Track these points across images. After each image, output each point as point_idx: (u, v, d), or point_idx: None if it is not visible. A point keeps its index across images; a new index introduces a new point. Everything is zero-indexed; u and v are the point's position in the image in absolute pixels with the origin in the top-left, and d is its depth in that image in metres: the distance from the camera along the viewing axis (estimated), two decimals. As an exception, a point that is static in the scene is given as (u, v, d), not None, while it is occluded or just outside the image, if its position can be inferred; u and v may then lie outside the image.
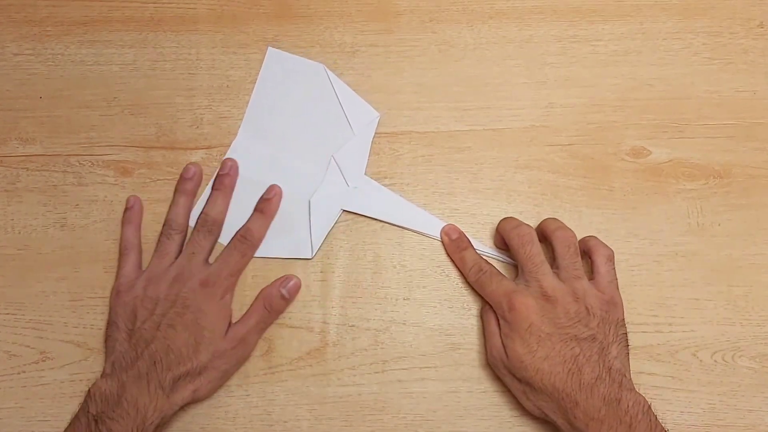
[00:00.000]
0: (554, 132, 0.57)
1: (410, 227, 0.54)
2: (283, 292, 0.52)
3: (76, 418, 0.46)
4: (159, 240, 0.53)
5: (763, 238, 0.55)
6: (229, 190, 0.54)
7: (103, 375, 0.48)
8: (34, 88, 0.57)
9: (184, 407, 0.49)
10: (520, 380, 0.48)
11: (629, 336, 0.52)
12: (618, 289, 0.50)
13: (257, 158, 0.55)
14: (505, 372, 0.49)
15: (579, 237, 0.54)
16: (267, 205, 0.54)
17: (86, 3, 0.59)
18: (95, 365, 0.52)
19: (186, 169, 0.55)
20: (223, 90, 0.57)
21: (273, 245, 0.54)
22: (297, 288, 0.53)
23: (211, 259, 0.53)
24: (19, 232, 0.55)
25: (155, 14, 0.59)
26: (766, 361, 0.52)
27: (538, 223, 0.52)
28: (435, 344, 0.53)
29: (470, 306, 0.53)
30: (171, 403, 0.47)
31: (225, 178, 0.54)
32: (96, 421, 0.45)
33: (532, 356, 0.47)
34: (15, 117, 0.57)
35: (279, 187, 0.54)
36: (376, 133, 0.56)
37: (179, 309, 0.49)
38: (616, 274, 0.50)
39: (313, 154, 0.56)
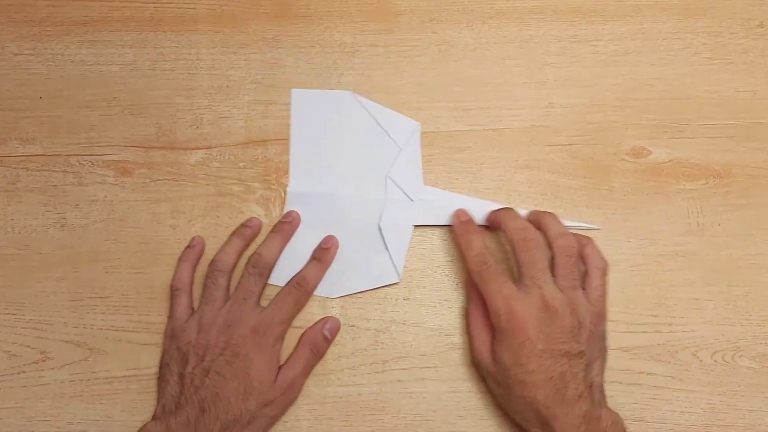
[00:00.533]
0: (554, 132, 0.57)
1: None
2: (326, 333, 0.52)
3: None
4: (205, 284, 0.52)
5: (763, 238, 0.55)
6: (287, 236, 0.54)
7: (154, 417, 0.49)
8: (34, 88, 0.57)
9: None
10: (501, 385, 0.48)
11: (629, 336, 0.52)
12: (606, 302, 0.50)
13: (315, 201, 0.55)
14: (487, 374, 0.49)
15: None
16: (324, 254, 0.53)
17: (86, 3, 0.59)
18: (95, 365, 0.52)
19: (249, 219, 0.54)
20: (223, 90, 0.57)
21: (356, 280, 0.53)
22: (337, 328, 0.53)
23: (263, 302, 0.52)
24: (19, 232, 0.55)
25: (155, 14, 0.59)
26: (766, 361, 0.52)
27: (535, 210, 0.52)
28: (435, 344, 0.53)
29: (470, 306, 0.53)
30: None
31: (285, 225, 0.54)
32: None
33: (520, 369, 0.46)
34: (15, 117, 0.57)
35: (336, 237, 0.54)
36: (376, 133, 0.57)
37: (229, 357, 0.48)
38: (606, 288, 0.50)
39: (367, 180, 0.55)
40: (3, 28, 0.59)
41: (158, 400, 0.50)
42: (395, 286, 0.54)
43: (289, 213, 0.54)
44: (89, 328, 0.53)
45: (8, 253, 0.54)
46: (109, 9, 0.59)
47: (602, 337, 0.49)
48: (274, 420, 0.50)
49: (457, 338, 0.53)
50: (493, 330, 0.48)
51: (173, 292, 0.52)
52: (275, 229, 0.54)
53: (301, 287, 0.52)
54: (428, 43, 0.58)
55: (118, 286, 0.53)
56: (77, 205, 0.55)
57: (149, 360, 0.52)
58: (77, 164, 0.56)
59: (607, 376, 0.49)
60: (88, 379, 0.51)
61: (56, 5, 0.59)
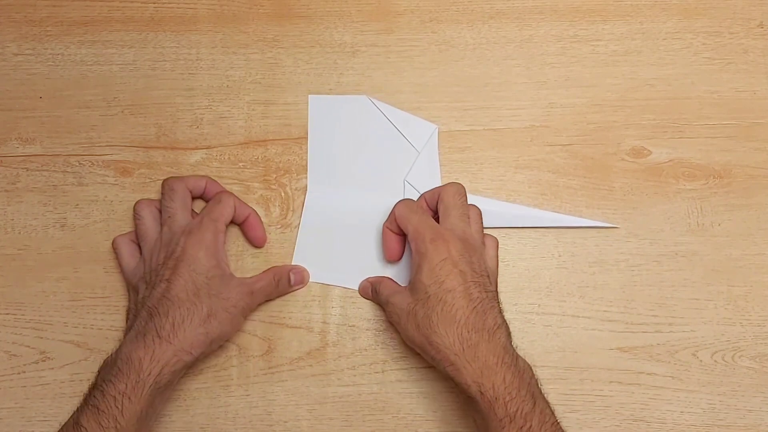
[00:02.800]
0: (554, 132, 0.57)
1: (508, 225, 0.54)
2: (291, 277, 0.53)
3: (87, 393, 0.46)
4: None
5: (763, 238, 0.55)
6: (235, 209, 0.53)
7: None
8: (34, 88, 0.57)
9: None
10: (417, 313, 0.46)
11: (629, 336, 0.52)
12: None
13: (333, 205, 0.55)
14: (403, 314, 0.47)
15: (578, 238, 0.54)
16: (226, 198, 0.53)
17: (86, 3, 0.59)
18: (95, 365, 0.51)
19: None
20: (223, 90, 0.57)
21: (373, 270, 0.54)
22: (302, 281, 0.53)
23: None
24: (19, 232, 0.55)
25: (155, 14, 0.59)
26: (766, 361, 0.52)
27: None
28: (435, 344, 0.53)
29: (470, 306, 0.53)
30: (177, 348, 0.45)
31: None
32: (92, 389, 0.45)
33: (438, 286, 0.46)
34: (15, 117, 0.57)
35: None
36: (376, 133, 0.57)
37: (171, 264, 0.48)
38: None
39: (385, 183, 0.55)
40: (3, 28, 0.59)
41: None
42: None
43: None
44: (89, 328, 0.53)
45: (8, 253, 0.54)
46: (109, 9, 0.59)
47: (494, 285, 0.49)
48: (234, 321, 0.49)
49: (457, 338, 0.53)
50: (411, 272, 0.48)
51: (115, 245, 0.53)
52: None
53: (225, 192, 0.53)
54: (428, 43, 0.58)
55: (118, 287, 0.53)
56: (77, 205, 0.55)
57: (149, 360, 0.52)
58: (77, 164, 0.56)
59: (607, 376, 0.50)
60: (88, 380, 0.51)
61: (56, 5, 0.59)
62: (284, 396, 0.52)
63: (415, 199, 0.53)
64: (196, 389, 0.52)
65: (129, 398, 0.43)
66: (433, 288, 0.46)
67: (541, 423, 0.42)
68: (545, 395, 0.45)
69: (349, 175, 0.56)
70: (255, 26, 0.59)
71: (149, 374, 0.44)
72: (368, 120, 0.56)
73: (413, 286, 0.48)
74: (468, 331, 0.44)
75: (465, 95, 0.57)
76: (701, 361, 0.52)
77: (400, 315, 0.48)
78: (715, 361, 0.52)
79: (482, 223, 0.52)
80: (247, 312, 0.51)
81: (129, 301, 0.52)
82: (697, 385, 0.52)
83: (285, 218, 0.55)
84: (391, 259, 0.52)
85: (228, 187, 0.55)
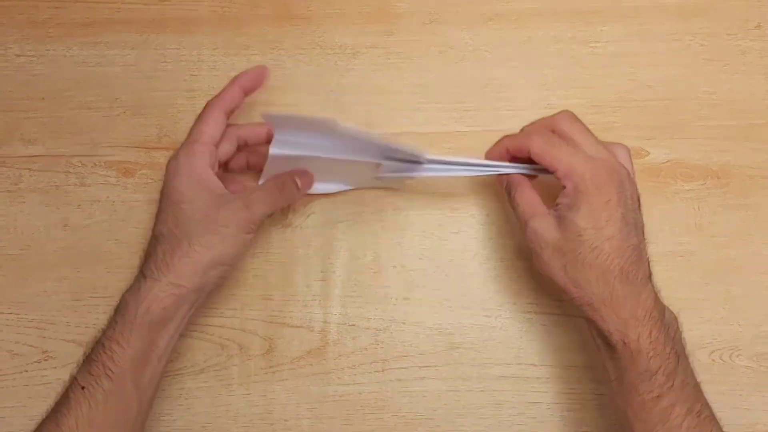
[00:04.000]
0: (553, 133, 0.57)
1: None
2: (298, 181, 0.49)
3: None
4: None
5: (762, 238, 0.55)
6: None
7: None
8: (36, 89, 0.58)
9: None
10: (566, 253, 0.43)
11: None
12: None
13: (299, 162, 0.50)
14: (547, 244, 0.44)
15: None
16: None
17: (88, 5, 0.59)
18: (97, 364, 0.52)
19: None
20: (224, 91, 0.58)
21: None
22: (310, 182, 0.51)
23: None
24: (22, 233, 0.55)
25: (157, 16, 0.59)
26: (764, 360, 0.52)
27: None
28: (435, 344, 0.53)
29: (470, 306, 0.54)
30: (164, 283, 0.44)
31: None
32: (95, 343, 0.44)
33: (597, 232, 0.42)
34: (17, 118, 0.57)
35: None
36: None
37: (167, 203, 0.46)
38: None
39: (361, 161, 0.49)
40: (6, 29, 0.59)
41: None
42: (395, 286, 0.54)
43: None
44: (91, 328, 0.53)
45: (11, 253, 0.54)
46: (111, 11, 0.59)
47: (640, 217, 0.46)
48: (227, 241, 0.46)
49: (457, 338, 0.53)
50: (560, 199, 0.45)
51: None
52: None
53: (209, 111, 0.49)
54: (428, 44, 0.59)
55: (120, 286, 0.53)
56: (79, 205, 0.55)
57: (151, 359, 0.52)
58: (79, 165, 0.56)
59: (605, 375, 0.49)
60: (90, 378, 0.51)
61: (58, 7, 0.59)
62: (285, 395, 0.52)
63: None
64: (197, 388, 0.52)
65: (118, 342, 0.42)
66: (590, 233, 0.42)
67: (683, 384, 0.41)
68: (686, 350, 0.43)
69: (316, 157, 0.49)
70: (256, 28, 0.59)
71: (135, 315, 0.43)
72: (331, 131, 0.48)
73: (565, 222, 0.43)
74: (620, 282, 0.42)
75: (465, 96, 0.58)
76: (699, 360, 0.52)
77: (543, 247, 0.44)
78: (713, 360, 0.52)
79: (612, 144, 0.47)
80: (247, 227, 0.47)
81: None
82: (696, 385, 0.52)
83: (286, 218, 0.55)
84: (531, 210, 0.46)
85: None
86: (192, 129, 0.49)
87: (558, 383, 0.52)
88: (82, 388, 0.42)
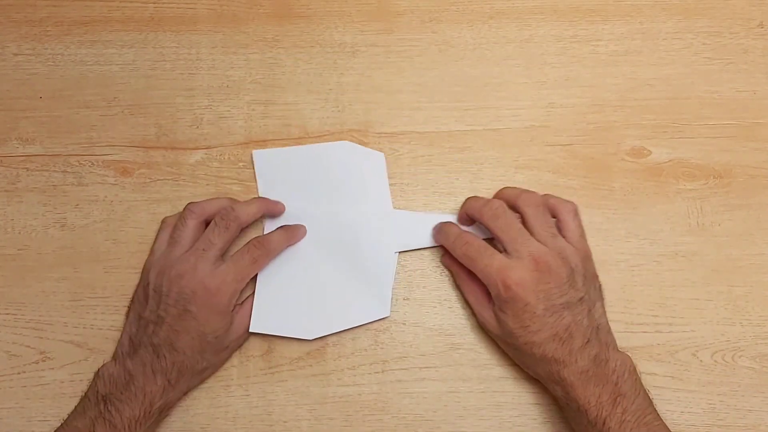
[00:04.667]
0: (554, 132, 0.57)
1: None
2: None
3: (85, 397, 0.48)
4: (175, 224, 0.51)
5: (763, 238, 0.55)
6: (268, 208, 0.53)
7: (113, 357, 0.50)
8: (34, 88, 0.57)
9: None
10: (510, 346, 0.49)
11: (629, 336, 0.52)
12: (586, 241, 0.51)
13: (289, 255, 0.53)
14: (496, 337, 0.51)
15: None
16: (293, 228, 0.53)
17: (86, 3, 0.59)
18: (95, 365, 0.51)
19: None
20: (223, 90, 0.57)
21: (339, 317, 0.52)
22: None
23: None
24: (20, 232, 0.55)
25: (155, 14, 0.59)
26: (766, 361, 0.52)
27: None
28: (435, 344, 0.53)
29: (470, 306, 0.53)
30: (177, 390, 0.49)
31: (272, 203, 0.54)
32: (105, 401, 0.46)
33: (525, 330, 0.47)
34: (15, 117, 0.57)
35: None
36: (376, 133, 0.56)
37: (180, 311, 0.48)
38: (582, 228, 0.51)
39: (341, 220, 0.54)
40: (3, 28, 0.59)
41: (122, 334, 0.51)
42: (395, 286, 0.54)
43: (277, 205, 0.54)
44: (89, 328, 0.53)
45: (8, 253, 0.54)
46: (109, 9, 0.59)
47: (595, 277, 0.50)
48: (227, 359, 0.52)
49: (457, 338, 0.53)
50: (492, 299, 0.49)
51: (161, 225, 0.53)
52: (260, 199, 0.54)
53: (263, 246, 0.51)
54: (428, 43, 0.58)
55: (118, 286, 0.53)
56: (77, 205, 0.55)
57: (149, 360, 0.52)
58: (77, 164, 0.56)
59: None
60: (88, 380, 0.51)
61: (56, 5, 0.59)
62: (284, 396, 0.52)
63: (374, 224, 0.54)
64: (196, 389, 0.52)
65: (140, 424, 0.46)
66: (520, 331, 0.47)
67: (621, 422, 0.44)
68: (639, 386, 0.46)
69: (299, 219, 0.54)
70: (255, 26, 0.59)
71: (157, 407, 0.47)
72: (316, 168, 0.55)
73: (499, 320, 0.49)
74: (556, 362, 0.47)
75: (465, 95, 0.57)
76: (701, 361, 0.52)
77: (493, 334, 0.51)
78: (715, 361, 0.52)
79: (541, 211, 0.50)
80: (242, 344, 0.53)
81: (138, 288, 0.51)
82: (697, 385, 0.52)
83: (285, 218, 0.55)
84: (476, 302, 0.51)
85: (228, 188, 0.55)
86: (228, 273, 0.49)
87: (560, 385, 0.52)
88: None
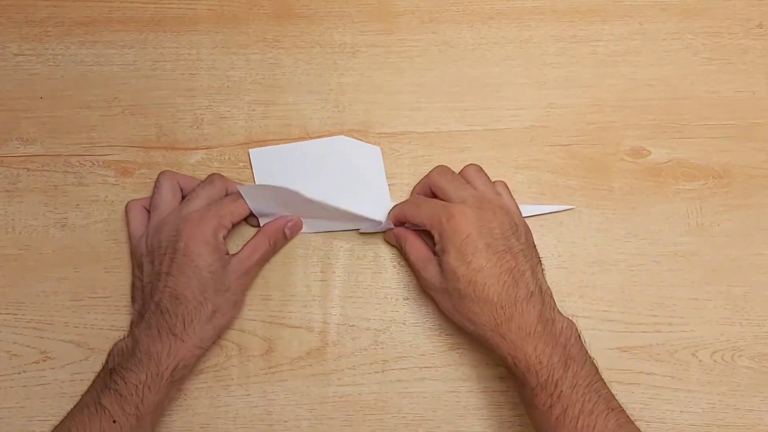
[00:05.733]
0: (554, 132, 0.57)
1: None
2: (287, 231, 0.53)
3: (96, 376, 0.48)
4: (152, 195, 0.52)
5: (763, 238, 0.55)
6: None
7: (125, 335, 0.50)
8: (34, 88, 0.57)
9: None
10: (451, 294, 0.47)
11: (628, 336, 0.52)
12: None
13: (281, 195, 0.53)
14: (438, 291, 0.49)
15: (578, 238, 0.54)
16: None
17: (87, 3, 0.59)
18: (96, 365, 0.52)
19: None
20: (223, 90, 0.57)
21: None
22: (299, 228, 0.54)
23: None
24: (20, 232, 0.55)
25: (156, 15, 0.59)
26: (765, 360, 0.52)
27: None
28: (435, 344, 0.53)
29: (470, 306, 0.54)
30: (190, 345, 0.47)
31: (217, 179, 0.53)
32: (111, 373, 0.46)
33: (467, 267, 0.46)
34: (16, 117, 0.57)
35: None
36: (376, 133, 0.57)
37: (171, 254, 0.48)
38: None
39: (340, 216, 0.53)
40: (4, 28, 0.59)
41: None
42: (395, 286, 0.54)
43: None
44: (90, 328, 0.53)
45: (9, 253, 0.54)
46: (110, 9, 0.59)
47: (534, 246, 0.50)
48: (237, 305, 0.51)
49: (457, 338, 0.53)
50: (435, 248, 0.49)
51: (128, 209, 0.53)
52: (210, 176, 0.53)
53: (221, 177, 0.52)
54: (428, 43, 0.58)
55: (119, 286, 0.54)
56: (78, 205, 0.55)
57: (150, 360, 0.52)
58: (78, 164, 0.56)
59: (607, 375, 0.49)
60: (89, 379, 0.51)
61: (57, 6, 0.59)
62: (284, 396, 0.52)
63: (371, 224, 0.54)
64: (196, 389, 0.52)
65: (149, 388, 0.45)
66: (462, 269, 0.46)
67: (573, 386, 0.43)
68: (586, 352, 0.45)
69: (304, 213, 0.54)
70: (255, 27, 0.59)
71: (167, 368, 0.46)
72: (312, 164, 0.56)
73: (442, 265, 0.48)
74: (501, 308, 0.45)
75: (465, 95, 0.57)
76: (701, 360, 0.52)
77: (433, 290, 0.49)
78: (715, 360, 0.52)
79: (484, 176, 0.52)
80: (247, 286, 0.52)
81: (133, 276, 0.52)
82: (697, 385, 0.52)
83: (285, 218, 0.55)
84: (419, 258, 0.51)
85: (228, 187, 0.55)
86: (226, 203, 0.51)
87: (558, 384, 0.52)
88: (114, 421, 0.45)
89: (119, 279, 0.54)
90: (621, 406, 0.44)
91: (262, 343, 0.53)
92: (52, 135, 0.57)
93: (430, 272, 0.49)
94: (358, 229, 0.54)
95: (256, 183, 0.55)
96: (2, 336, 0.53)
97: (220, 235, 0.50)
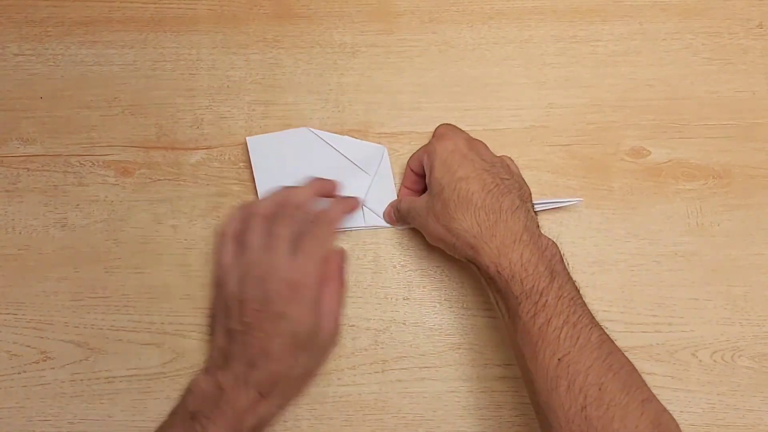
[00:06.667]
0: (554, 132, 0.57)
1: None
2: (341, 266, 0.51)
3: (174, 413, 0.46)
4: (241, 229, 0.50)
5: (763, 238, 0.55)
6: (319, 190, 0.52)
7: (202, 371, 0.48)
8: (34, 88, 0.57)
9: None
10: (435, 207, 0.47)
11: (628, 336, 0.52)
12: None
13: None
14: (424, 215, 0.48)
15: (578, 238, 0.54)
16: (347, 199, 0.53)
17: (87, 3, 0.59)
18: (96, 365, 0.52)
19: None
20: (223, 90, 0.57)
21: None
22: (345, 256, 0.52)
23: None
24: (20, 232, 0.55)
25: (156, 15, 0.59)
26: (765, 360, 0.52)
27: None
28: (435, 344, 0.53)
29: (470, 306, 0.53)
30: (271, 404, 0.46)
31: (323, 181, 0.53)
32: (193, 418, 0.45)
33: (452, 176, 0.46)
34: (16, 117, 0.57)
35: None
36: (376, 133, 0.57)
37: (269, 315, 0.46)
38: None
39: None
40: (4, 28, 0.59)
41: (208, 352, 0.49)
42: (395, 286, 0.54)
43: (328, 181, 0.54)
44: (90, 328, 0.53)
45: (9, 253, 0.54)
46: (110, 9, 0.59)
47: (526, 187, 0.49)
48: (323, 361, 0.51)
49: (457, 338, 0.53)
50: (425, 182, 0.49)
51: (219, 239, 0.51)
52: (313, 180, 0.53)
53: (325, 224, 0.50)
54: (428, 43, 0.58)
55: (119, 286, 0.54)
56: (78, 205, 0.55)
57: (149, 360, 0.52)
58: (78, 164, 0.56)
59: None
60: (89, 379, 0.51)
61: (57, 6, 0.59)
62: (284, 396, 0.52)
63: (382, 216, 0.55)
64: (196, 389, 0.52)
65: None
66: (446, 178, 0.46)
67: (558, 297, 0.42)
68: (568, 272, 0.44)
69: None
70: (255, 27, 0.59)
71: (248, 425, 0.45)
72: (314, 152, 0.55)
73: (429, 186, 0.48)
74: (485, 213, 0.45)
75: (465, 95, 0.57)
76: (700, 360, 0.52)
77: (420, 214, 0.49)
78: (715, 360, 0.52)
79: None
80: (335, 345, 0.51)
81: (215, 307, 0.50)
82: (697, 385, 0.52)
83: (285, 218, 0.55)
84: (411, 202, 0.51)
85: (228, 188, 0.55)
86: (307, 264, 0.48)
87: (559, 384, 0.52)
88: None
89: (119, 279, 0.54)
90: (601, 325, 0.43)
91: (262, 343, 0.53)
92: (52, 135, 0.57)
93: (418, 202, 0.49)
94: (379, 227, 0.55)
95: (254, 171, 0.55)
96: (2, 336, 0.53)
97: (317, 290, 0.48)
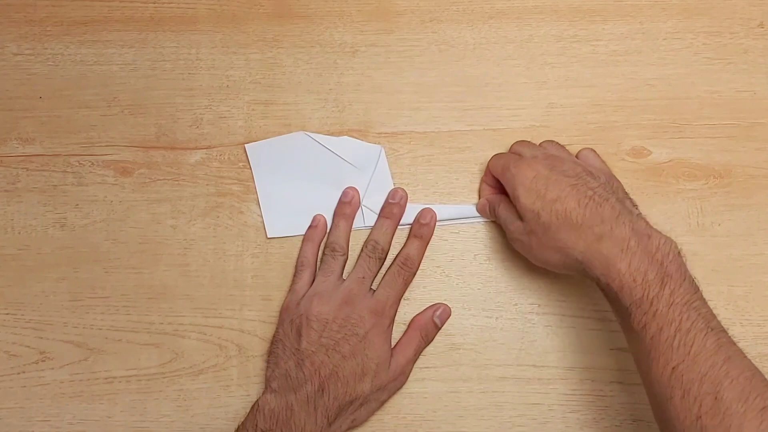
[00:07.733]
0: (554, 132, 0.57)
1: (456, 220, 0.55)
2: (437, 320, 0.52)
3: (243, 428, 0.46)
4: (323, 259, 0.53)
5: (764, 238, 0.55)
6: (397, 219, 0.54)
7: (270, 390, 0.48)
8: (34, 88, 0.57)
9: None
10: (536, 233, 0.47)
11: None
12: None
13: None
14: (523, 239, 0.48)
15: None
16: (424, 229, 0.54)
17: (86, 3, 0.59)
18: (95, 365, 0.52)
19: (345, 194, 0.54)
20: (223, 90, 0.57)
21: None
22: (448, 315, 0.53)
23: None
24: (19, 232, 0.55)
25: (155, 14, 0.59)
26: (766, 361, 0.52)
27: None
28: (435, 344, 0.53)
29: (470, 306, 0.53)
30: (330, 431, 0.47)
31: (394, 207, 0.54)
32: None
33: (542, 200, 0.46)
34: (15, 117, 0.57)
35: (433, 210, 0.54)
36: (376, 133, 0.56)
37: (348, 335, 0.48)
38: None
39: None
40: (3, 27, 0.59)
41: (269, 373, 0.50)
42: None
43: (395, 192, 0.54)
44: (89, 328, 0.53)
45: (8, 253, 0.54)
46: (109, 9, 0.59)
47: (622, 189, 0.49)
48: (382, 404, 0.50)
49: (457, 338, 0.53)
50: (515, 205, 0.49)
51: (298, 268, 0.53)
52: (384, 213, 0.54)
53: (407, 267, 0.52)
54: (428, 43, 0.58)
55: (118, 286, 0.54)
56: (77, 205, 0.55)
57: (149, 360, 0.52)
58: (77, 164, 0.56)
59: (608, 376, 0.50)
60: (88, 379, 0.51)
61: (56, 5, 0.59)
62: (284, 396, 0.52)
63: (374, 220, 0.55)
64: (196, 389, 0.52)
65: None
66: (539, 204, 0.46)
67: (669, 304, 0.41)
68: (686, 270, 0.43)
69: (305, 213, 0.55)
70: (255, 26, 0.59)
71: None
72: (311, 155, 0.56)
73: (521, 212, 0.48)
74: (588, 228, 0.44)
75: (465, 95, 0.57)
76: (701, 361, 0.52)
77: (522, 242, 0.49)
78: (716, 361, 0.52)
79: (565, 151, 0.53)
80: (396, 392, 0.51)
81: (281, 329, 0.51)
82: (698, 386, 0.52)
83: (285, 218, 0.55)
84: (507, 217, 0.51)
85: (228, 188, 0.55)
86: (388, 297, 0.51)
87: (559, 385, 0.52)
88: None
89: (118, 279, 0.54)
90: (722, 326, 0.42)
91: (262, 343, 0.53)
92: (52, 135, 0.56)
93: (515, 227, 0.49)
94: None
95: (255, 178, 0.55)
96: (1, 336, 0.53)
97: (392, 328, 0.51)
